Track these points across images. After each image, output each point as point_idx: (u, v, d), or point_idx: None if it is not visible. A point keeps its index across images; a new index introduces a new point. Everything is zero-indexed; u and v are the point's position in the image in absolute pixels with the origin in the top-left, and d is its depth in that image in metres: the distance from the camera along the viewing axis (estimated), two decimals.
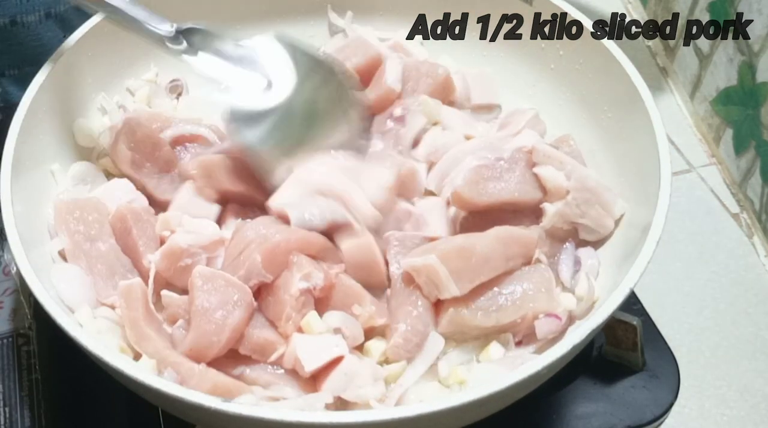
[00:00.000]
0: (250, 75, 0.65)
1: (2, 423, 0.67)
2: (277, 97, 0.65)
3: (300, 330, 0.59)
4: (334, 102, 0.69)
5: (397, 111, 0.73)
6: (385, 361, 0.61)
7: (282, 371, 0.59)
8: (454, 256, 0.60)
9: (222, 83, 0.64)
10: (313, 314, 0.60)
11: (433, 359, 0.60)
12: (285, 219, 0.63)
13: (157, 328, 0.60)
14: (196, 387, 0.53)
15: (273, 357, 0.59)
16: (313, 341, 0.58)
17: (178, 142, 0.71)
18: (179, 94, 0.79)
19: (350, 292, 0.61)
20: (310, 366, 0.57)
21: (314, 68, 0.68)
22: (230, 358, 0.59)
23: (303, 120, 0.67)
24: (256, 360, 0.59)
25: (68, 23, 0.79)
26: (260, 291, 0.61)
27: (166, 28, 0.63)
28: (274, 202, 0.63)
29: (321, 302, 0.61)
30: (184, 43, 0.64)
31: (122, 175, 0.69)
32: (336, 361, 0.57)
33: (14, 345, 0.71)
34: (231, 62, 0.65)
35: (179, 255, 0.62)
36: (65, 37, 0.70)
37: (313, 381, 0.58)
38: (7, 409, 0.68)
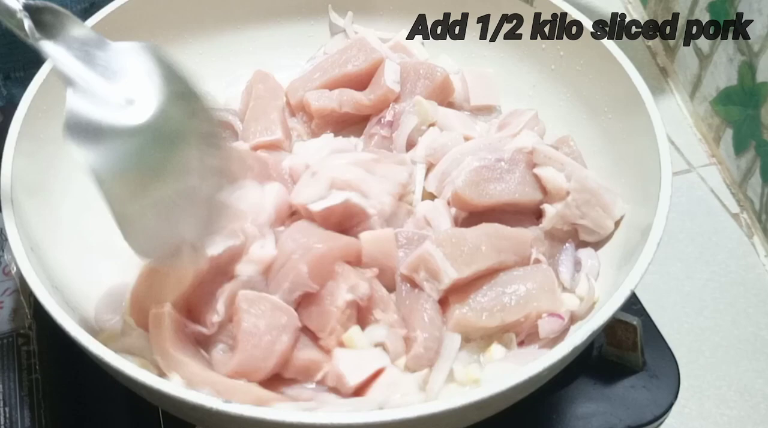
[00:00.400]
0: (106, 82, 0.53)
1: (2, 423, 0.67)
2: (137, 116, 0.52)
3: (341, 343, 0.59)
4: (198, 139, 0.55)
5: (388, 115, 0.73)
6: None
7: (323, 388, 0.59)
8: (447, 242, 0.60)
9: (72, 82, 0.52)
10: (356, 329, 0.59)
11: (453, 358, 0.60)
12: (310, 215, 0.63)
13: (192, 353, 0.58)
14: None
15: (317, 378, 0.58)
16: (355, 355, 0.58)
17: None
18: None
19: (376, 297, 0.61)
20: (353, 380, 0.56)
21: (185, 95, 0.54)
22: (269, 380, 0.58)
23: (160, 150, 0.54)
24: (297, 381, 0.59)
25: None
26: (301, 302, 0.60)
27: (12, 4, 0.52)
28: (295, 199, 0.63)
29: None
30: (29, 23, 0.51)
31: None
32: (377, 374, 0.57)
33: (14, 345, 0.71)
34: (86, 61, 0.53)
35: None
36: None
37: (356, 395, 0.58)
38: (7, 409, 0.68)
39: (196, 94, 0.54)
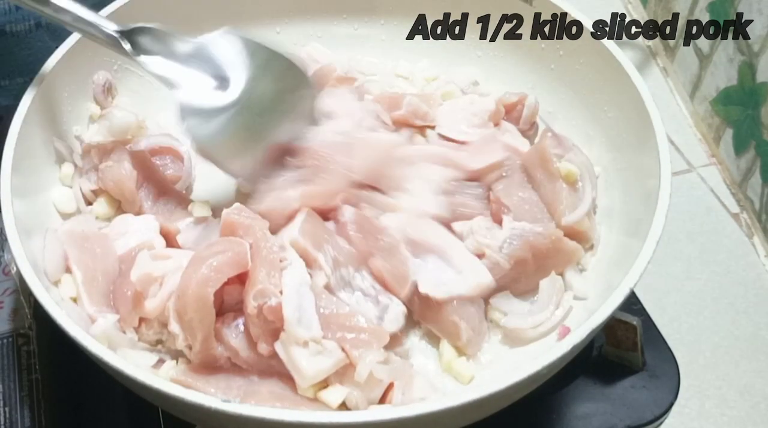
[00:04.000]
0: (201, 74, 0.64)
1: (2, 423, 0.67)
2: (231, 93, 0.64)
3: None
4: (290, 92, 0.68)
5: None
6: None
7: None
8: None
9: (172, 83, 0.63)
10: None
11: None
12: None
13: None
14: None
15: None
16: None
17: (153, 153, 0.71)
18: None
19: None
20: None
21: (270, 60, 0.66)
22: None
23: (259, 113, 0.65)
24: None
25: (58, 33, 0.79)
26: None
27: (110, 28, 0.63)
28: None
29: None
30: (128, 45, 0.63)
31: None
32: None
33: (14, 345, 0.71)
34: (180, 61, 0.64)
35: None
36: (56, 47, 0.69)
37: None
38: (7, 409, 0.68)
39: (278, 56, 0.66)
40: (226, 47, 0.65)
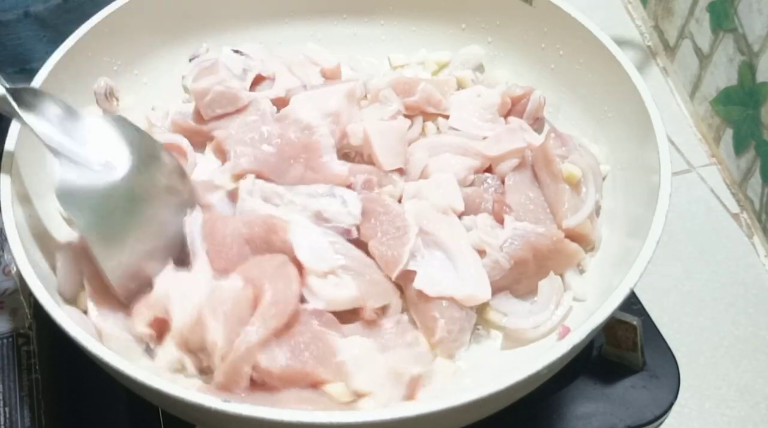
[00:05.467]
0: (84, 148, 0.60)
1: (2, 423, 0.67)
2: (115, 175, 0.60)
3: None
4: (168, 185, 0.64)
5: None
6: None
7: None
8: None
9: (56, 152, 0.58)
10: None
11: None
12: None
13: None
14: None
15: None
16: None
17: None
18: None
19: None
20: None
21: (151, 151, 0.63)
22: None
23: (139, 203, 0.61)
24: None
25: (48, 22, 0.78)
26: None
27: None
28: None
29: None
30: (14, 104, 0.58)
31: None
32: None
33: (14, 345, 0.71)
34: (64, 132, 0.60)
35: None
36: (45, 36, 0.68)
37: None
38: (7, 409, 0.68)
39: (157, 149, 0.63)
40: (113, 129, 0.62)
